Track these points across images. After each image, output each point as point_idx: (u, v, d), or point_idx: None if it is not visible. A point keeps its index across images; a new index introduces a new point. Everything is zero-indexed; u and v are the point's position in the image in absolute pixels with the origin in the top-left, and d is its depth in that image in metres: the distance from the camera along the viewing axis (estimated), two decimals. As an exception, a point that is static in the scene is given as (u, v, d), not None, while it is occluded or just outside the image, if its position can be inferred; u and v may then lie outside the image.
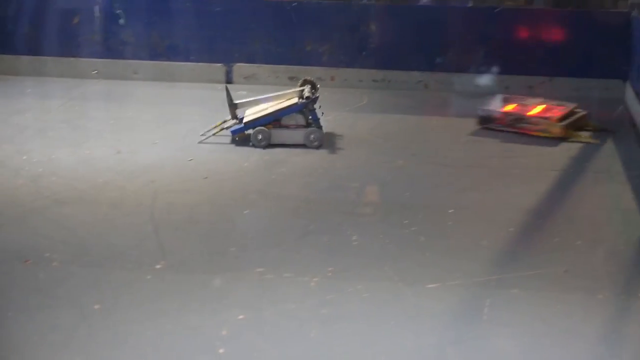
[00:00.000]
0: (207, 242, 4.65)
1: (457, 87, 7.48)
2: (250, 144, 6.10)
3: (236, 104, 6.30)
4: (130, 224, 4.84)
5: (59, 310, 3.91)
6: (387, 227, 4.85)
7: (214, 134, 6.21)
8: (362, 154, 6.00)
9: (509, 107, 6.56)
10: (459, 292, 4.11)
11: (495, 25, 7.53)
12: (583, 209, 5.15)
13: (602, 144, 6.23)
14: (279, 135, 6.13)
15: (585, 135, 6.36)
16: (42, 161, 5.76)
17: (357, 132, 6.44)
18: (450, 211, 5.04)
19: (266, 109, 6.26)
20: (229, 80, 7.71)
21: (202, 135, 6.22)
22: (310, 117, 6.17)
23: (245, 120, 6.20)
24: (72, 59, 7.87)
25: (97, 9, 7.83)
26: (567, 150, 6.09)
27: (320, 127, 6.16)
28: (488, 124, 6.51)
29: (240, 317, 3.86)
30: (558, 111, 6.46)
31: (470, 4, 8.15)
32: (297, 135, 6.13)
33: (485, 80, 7.33)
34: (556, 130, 6.31)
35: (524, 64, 7.38)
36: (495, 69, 7.44)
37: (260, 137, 6.09)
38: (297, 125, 6.16)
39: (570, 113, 6.48)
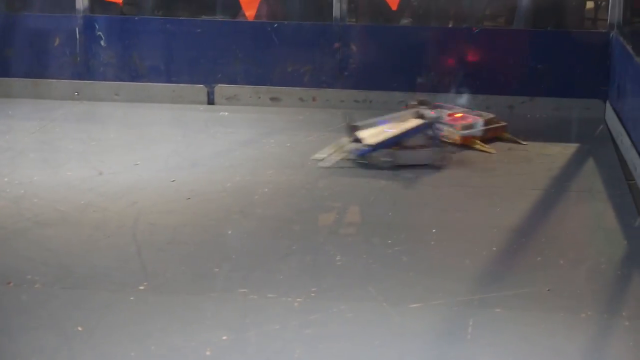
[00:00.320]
0: (190, 263, 4.63)
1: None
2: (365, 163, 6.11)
3: (357, 125, 6.28)
4: (112, 245, 4.82)
5: (42, 332, 3.88)
6: (371, 247, 4.85)
7: (340, 158, 6.20)
8: (345, 174, 6.01)
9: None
10: (442, 311, 4.11)
11: (475, 45, 7.57)
12: (565, 228, 5.17)
13: (583, 163, 6.27)
14: (405, 156, 6.12)
15: (482, 145, 6.54)
16: (24, 183, 5.74)
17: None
18: (433, 230, 5.05)
19: (387, 130, 6.26)
20: (210, 102, 7.72)
21: (322, 160, 6.19)
22: (431, 136, 6.21)
23: (369, 141, 6.15)
24: (53, 80, 7.86)
25: (77, 31, 7.82)
26: (549, 170, 6.12)
27: (441, 146, 6.20)
28: None
29: (224, 337, 3.85)
30: (471, 119, 6.71)
31: (450, 25, 8.22)
32: (422, 155, 6.14)
33: (465, 100, 7.36)
34: (455, 137, 6.56)
35: (504, 84, 7.43)
36: (475, 89, 7.47)
37: (387, 158, 6.08)
38: (420, 146, 6.17)
39: (486, 122, 6.69)
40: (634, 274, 4.57)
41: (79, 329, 3.91)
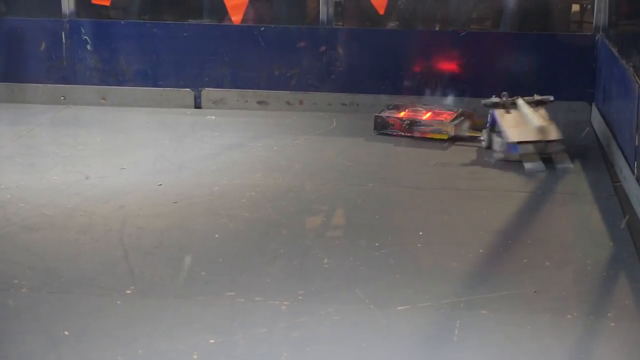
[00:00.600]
0: (177, 266, 4.64)
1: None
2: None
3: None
4: (99, 249, 4.82)
5: (28, 336, 3.88)
6: (358, 250, 4.86)
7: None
8: (332, 177, 6.01)
9: (402, 114, 6.99)
10: (429, 313, 4.13)
11: (462, 48, 7.59)
12: (551, 230, 5.19)
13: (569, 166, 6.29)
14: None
15: (473, 132, 6.78)
16: (10, 187, 5.73)
17: (327, 156, 6.46)
18: (420, 233, 5.06)
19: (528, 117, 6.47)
20: (197, 105, 7.71)
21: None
22: None
23: (516, 137, 6.29)
24: (39, 85, 7.84)
25: (64, 35, 7.81)
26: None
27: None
28: (384, 129, 6.90)
29: (211, 341, 3.86)
30: (448, 115, 6.92)
31: (437, 28, 8.23)
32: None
33: (452, 103, 7.38)
34: (449, 129, 6.74)
35: (491, 86, 7.42)
36: (462, 91, 7.48)
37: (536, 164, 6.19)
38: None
39: (459, 115, 6.94)
40: (620, 275, 4.59)
41: (66, 333, 3.91)
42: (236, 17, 7.70)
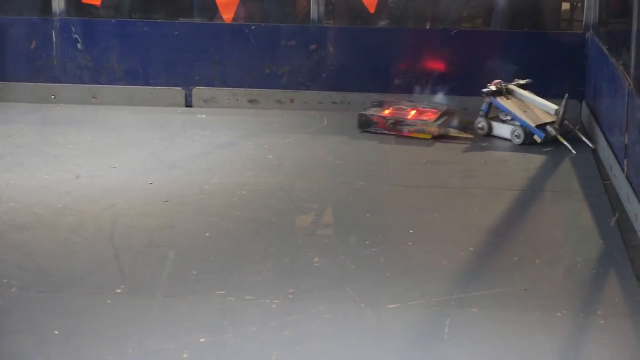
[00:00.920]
0: (168, 265, 4.63)
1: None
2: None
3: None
4: (89, 248, 4.82)
5: (18, 336, 3.87)
6: (348, 248, 4.87)
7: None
8: (323, 176, 6.01)
9: (387, 112, 6.98)
10: (420, 311, 4.13)
11: (452, 46, 7.60)
12: (541, 228, 5.20)
13: (559, 163, 6.30)
14: None
15: (458, 132, 6.81)
16: (0, 186, 5.72)
17: (317, 154, 6.46)
18: (410, 231, 5.07)
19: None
20: (188, 104, 7.71)
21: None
22: None
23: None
24: (29, 83, 7.83)
25: (54, 33, 7.80)
26: (525, 171, 6.15)
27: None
28: (368, 127, 6.89)
29: (202, 340, 3.86)
30: (432, 114, 6.92)
31: (427, 27, 8.23)
32: None
33: (443, 101, 7.38)
34: (432, 129, 6.73)
35: (482, 85, 7.44)
36: (452, 89, 7.49)
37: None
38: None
39: (444, 113, 6.94)
40: (610, 273, 4.60)
41: (56, 332, 3.90)
42: (227, 16, 7.70)
